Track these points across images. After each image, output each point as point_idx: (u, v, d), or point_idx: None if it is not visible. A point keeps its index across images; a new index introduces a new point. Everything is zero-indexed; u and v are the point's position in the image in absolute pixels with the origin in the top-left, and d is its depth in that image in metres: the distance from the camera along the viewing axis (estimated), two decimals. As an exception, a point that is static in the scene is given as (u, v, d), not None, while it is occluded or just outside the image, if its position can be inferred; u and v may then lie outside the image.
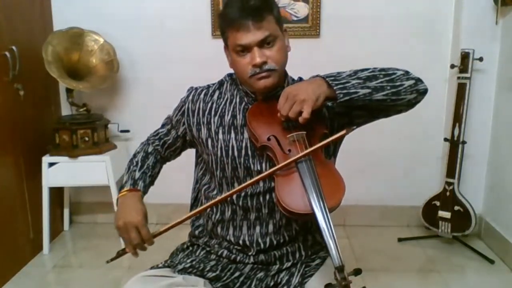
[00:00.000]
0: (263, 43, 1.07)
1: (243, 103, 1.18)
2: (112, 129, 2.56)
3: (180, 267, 1.13)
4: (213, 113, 1.19)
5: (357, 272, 0.86)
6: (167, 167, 1.34)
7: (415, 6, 2.44)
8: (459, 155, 2.31)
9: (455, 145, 2.31)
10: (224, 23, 1.11)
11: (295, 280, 1.11)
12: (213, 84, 1.25)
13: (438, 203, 2.39)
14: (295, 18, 2.45)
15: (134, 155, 1.28)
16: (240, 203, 1.14)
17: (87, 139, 2.32)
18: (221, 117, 1.17)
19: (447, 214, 2.34)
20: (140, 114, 2.61)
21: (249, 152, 1.13)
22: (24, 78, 2.20)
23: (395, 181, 2.65)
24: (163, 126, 1.31)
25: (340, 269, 0.85)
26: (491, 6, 2.28)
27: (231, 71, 1.21)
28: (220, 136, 1.16)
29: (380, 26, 2.48)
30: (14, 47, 2.10)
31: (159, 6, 2.51)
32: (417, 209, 2.51)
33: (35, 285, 2.10)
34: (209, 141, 1.17)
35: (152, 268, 1.15)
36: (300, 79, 1.24)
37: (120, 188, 1.20)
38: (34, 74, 2.30)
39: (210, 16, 2.47)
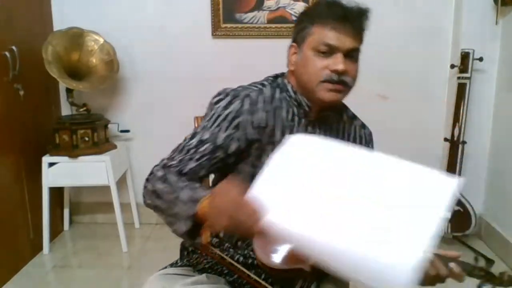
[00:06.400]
0: (349, 54, 0.98)
1: (291, 116, 1.04)
2: (112, 129, 2.56)
3: (199, 267, 1.09)
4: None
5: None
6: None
7: (415, 6, 2.44)
8: (459, 155, 2.31)
9: (455, 145, 2.31)
10: (315, 17, 0.99)
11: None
12: (259, 86, 1.06)
13: (438, 203, 2.38)
14: (295, 18, 2.45)
15: None
16: None
17: (87, 139, 2.32)
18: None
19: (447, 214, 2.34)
20: (140, 114, 2.62)
21: None
22: (24, 78, 2.20)
23: (395, 181, 2.64)
24: None
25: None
26: (491, 6, 2.28)
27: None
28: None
29: (380, 26, 2.45)
30: (14, 47, 2.10)
31: (159, 6, 2.51)
32: (417, 209, 2.50)
33: (35, 285, 2.10)
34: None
35: (171, 265, 1.11)
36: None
37: None
38: (34, 74, 2.30)
39: (210, 16, 2.47)
